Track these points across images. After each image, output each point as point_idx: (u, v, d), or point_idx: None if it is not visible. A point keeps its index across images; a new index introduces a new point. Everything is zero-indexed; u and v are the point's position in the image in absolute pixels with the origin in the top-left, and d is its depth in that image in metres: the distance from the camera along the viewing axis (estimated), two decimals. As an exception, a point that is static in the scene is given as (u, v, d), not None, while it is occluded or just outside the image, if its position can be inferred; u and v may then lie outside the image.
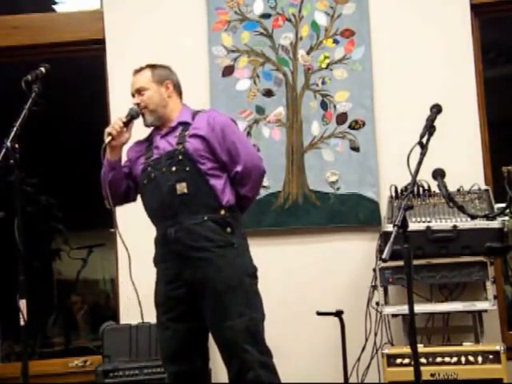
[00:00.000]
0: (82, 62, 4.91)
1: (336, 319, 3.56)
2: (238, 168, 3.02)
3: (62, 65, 4.10)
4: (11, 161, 2.60)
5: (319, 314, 3.58)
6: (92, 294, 7.14)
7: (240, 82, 4.12)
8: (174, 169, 3.00)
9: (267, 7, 4.14)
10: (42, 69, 2.86)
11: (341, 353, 3.54)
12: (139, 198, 3.21)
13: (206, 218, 2.96)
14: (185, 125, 3.10)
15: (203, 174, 3.00)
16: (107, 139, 3.08)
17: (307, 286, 3.95)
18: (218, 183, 3.01)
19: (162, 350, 3.08)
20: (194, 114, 3.15)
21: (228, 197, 3.03)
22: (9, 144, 2.60)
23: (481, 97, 4.08)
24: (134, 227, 3.94)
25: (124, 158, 3.23)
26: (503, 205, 3.10)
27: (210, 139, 3.02)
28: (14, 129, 2.65)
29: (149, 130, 3.23)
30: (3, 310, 4.40)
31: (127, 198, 3.25)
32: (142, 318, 3.70)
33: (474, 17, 4.10)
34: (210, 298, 2.92)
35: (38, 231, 5.88)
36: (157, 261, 3.10)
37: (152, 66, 3.20)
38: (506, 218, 4.32)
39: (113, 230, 4.18)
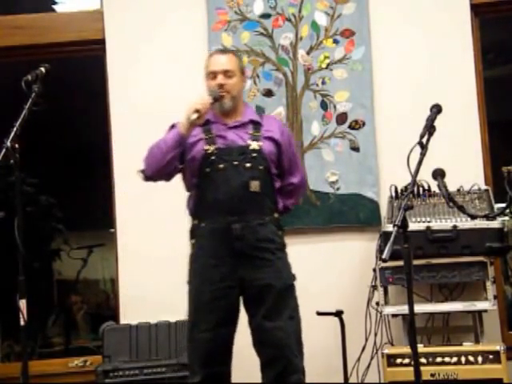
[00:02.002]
0: (82, 62, 4.90)
1: (336, 319, 3.55)
2: (295, 180, 3.14)
3: (62, 65, 4.10)
4: (11, 161, 2.60)
5: (319, 314, 3.57)
6: (92, 294, 7.14)
7: (240, 82, 4.11)
8: (247, 165, 2.98)
9: (267, 7, 4.14)
10: (42, 69, 2.86)
11: (341, 353, 3.54)
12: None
13: (267, 219, 2.99)
14: (255, 124, 3.09)
15: (272, 177, 3.04)
16: (194, 115, 2.91)
17: (307, 286, 3.94)
18: (277, 187, 3.07)
19: (198, 351, 2.96)
20: (258, 114, 3.23)
21: (280, 202, 3.11)
22: (9, 144, 2.60)
23: (481, 97, 4.08)
24: (134, 227, 3.96)
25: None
26: (503, 205, 3.09)
27: (281, 145, 3.07)
28: (14, 129, 2.64)
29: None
30: (3, 310, 4.40)
31: (168, 177, 3.11)
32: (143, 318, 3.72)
33: (474, 17, 4.10)
34: (269, 298, 2.92)
35: (38, 231, 5.88)
36: (202, 256, 2.99)
37: (235, 53, 3.24)
38: (506, 217, 4.33)
39: (113, 230, 4.19)
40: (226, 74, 3.05)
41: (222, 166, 2.98)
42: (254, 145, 3.01)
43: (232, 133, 3.05)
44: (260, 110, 4.08)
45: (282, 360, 2.90)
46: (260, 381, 3.00)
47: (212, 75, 3.07)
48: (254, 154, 2.99)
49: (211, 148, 3.01)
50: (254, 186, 2.96)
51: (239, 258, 2.93)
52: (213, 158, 2.99)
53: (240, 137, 3.04)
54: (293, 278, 3.04)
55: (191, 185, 3.08)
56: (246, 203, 2.95)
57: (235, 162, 2.97)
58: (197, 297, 2.98)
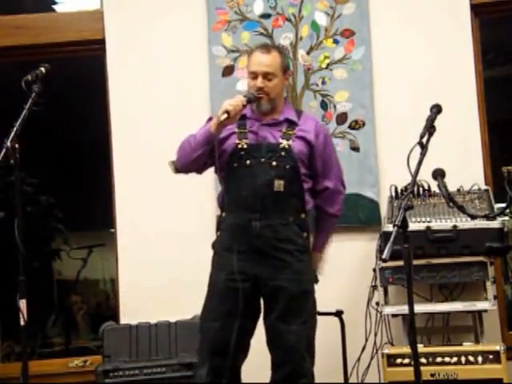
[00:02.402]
0: (82, 61, 4.91)
1: (336, 319, 3.55)
2: (330, 184, 3.08)
3: (62, 65, 4.10)
4: (11, 161, 2.60)
5: (319, 313, 3.56)
6: (92, 294, 7.14)
7: (240, 82, 4.11)
8: (274, 163, 2.95)
9: (267, 7, 4.14)
10: (42, 69, 2.86)
11: (341, 353, 3.54)
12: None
13: (291, 219, 2.96)
14: (291, 123, 3.05)
15: (300, 176, 2.99)
16: (223, 116, 2.88)
17: (307, 286, 3.95)
18: (307, 188, 3.03)
19: (206, 340, 2.96)
20: (298, 113, 3.13)
21: (311, 203, 3.05)
22: (9, 144, 2.60)
23: (481, 97, 4.08)
24: (134, 227, 3.96)
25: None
26: (503, 205, 3.09)
27: (314, 146, 3.02)
28: (14, 129, 2.64)
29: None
30: (3, 309, 4.40)
31: (199, 171, 3.12)
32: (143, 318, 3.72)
33: (474, 17, 4.10)
34: (283, 300, 2.91)
35: (38, 231, 5.88)
36: (222, 248, 2.99)
37: (278, 50, 3.13)
38: (506, 217, 4.32)
39: (113, 230, 4.19)
40: (267, 76, 3.00)
41: (249, 162, 2.97)
42: (285, 143, 2.98)
43: (265, 130, 3.03)
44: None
45: (291, 363, 2.90)
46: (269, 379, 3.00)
47: (252, 75, 3.03)
48: (283, 153, 2.96)
49: (242, 143, 2.99)
50: (278, 184, 2.93)
51: (257, 255, 2.92)
52: (242, 153, 2.98)
53: (272, 134, 3.02)
54: (313, 281, 3.04)
55: (221, 178, 3.08)
56: (268, 202, 2.93)
57: (262, 159, 2.96)
58: (212, 286, 2.99)
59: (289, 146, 2.98)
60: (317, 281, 3.10)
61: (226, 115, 2.87)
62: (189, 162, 3.01)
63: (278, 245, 2.92)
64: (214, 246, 3.05)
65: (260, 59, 3.02)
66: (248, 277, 2.91)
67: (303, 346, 2.91)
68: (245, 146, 2.98)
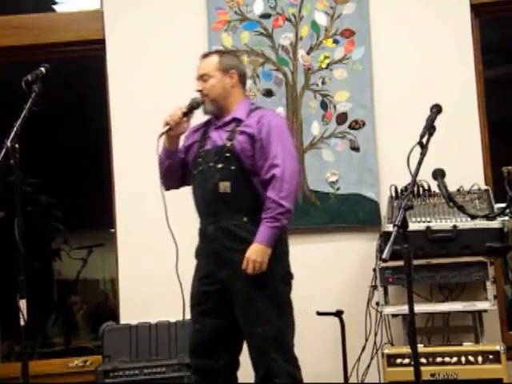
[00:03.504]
0: (82, 61, 4.91)
1: (336, 319, 3.55)
2: (276, 171, 2.89)
3: (62, 65, 4.10)
4: (11, 161, 2.60)
5: (319, 314, 3.58)
6: (92, 294, 7.15)
7: (240, 82, 4.11)
8: (219, 166, 2.96)
9: (267, 7, 4.14)
10: (42, 69, 2.86)
11: (341, 353, 3.54)
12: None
13: (245, 219, 2.94)
14: (238, 121, 3.03)
15: (248, 174, 2.96)
16: (164, 129, 3.00)
17: (307, 286, 3.95)
18: (261, 184, 2.95)
19: (189, 342, 3.07)
20: (252, 110, 3.08)
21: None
22: (9, 144, 2.60)
23: (481, 97, 4.08)
24: (135, 227, 3.96)
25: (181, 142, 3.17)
26: (503, 205, 3.09)
27: (257, 138, 2.96)
28: (14, 129, 2.64)
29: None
30: (3, 309, 4.40)
31: (183, 183, 3.18)
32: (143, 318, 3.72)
33: (474, 17, 4.10)
34: (242, 302, 2.91)
35: (38, 231, 5.88)
36: (197, 253, 3.08)
37: (220, 53, 3.15)
38: (506, 217, 4.31)
39: (113, 230, 4.19)
40: (203, 78, 3.08)
41: (201, 168, 3.02)
42: (229, 144, 2.98)
43: (216, 133, 3.06)
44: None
45: (262, 366, 2.91)
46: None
47: (197, 80, 3.12)
48: (228, 154, 2.96)
49: (200, 150, 3.05)
50: (224, 187, 2.93)
51: (217, 259, 2.96)
52: (199, 159, 3.04)
53: (220, 137, 3.03)
54: (277, 279, 2.95)
55: None
56: (217, 205, 2.95)
57: (211, 164, 2.98)
58: (191, 290, 3.05)
59: (232, 145, 2.96)
60: (287, 278, 3.01)
61: (166, 127, 3.00)
62: (163, 178, 3.09)
63: (232, 246, 2.92)
64: (195, 251, 3.12)
65: (198, 66, 3.12)
66: (215, 280, 2.96)
67: (271, 348, 2.88)
68: (202, 153, 3.04)
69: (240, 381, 3.11)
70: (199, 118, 3.21)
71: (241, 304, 2.92)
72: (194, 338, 3.01)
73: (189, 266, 3.09)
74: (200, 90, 3.06)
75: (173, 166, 3.09)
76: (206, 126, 3.13)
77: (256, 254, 2.86)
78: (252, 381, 3.00)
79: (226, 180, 2.93)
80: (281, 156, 2.92)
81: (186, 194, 3.19)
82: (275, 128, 2.98)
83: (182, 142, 3.18)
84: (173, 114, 3.01)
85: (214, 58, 3.09)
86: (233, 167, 2.94)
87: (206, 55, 3.13)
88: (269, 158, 2.92)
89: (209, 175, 2.98)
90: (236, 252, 2.90)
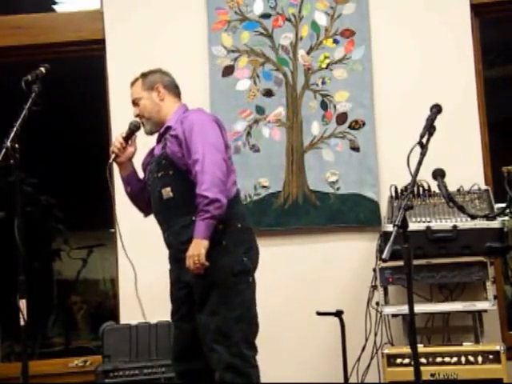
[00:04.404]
0: (82, 61, 4.90)
1: (336, 319, 3.55)
2: (197, 167, 2.89)
3: (62, 65, 4.10)
4: (11, 161, 2.61)
5: (319, 314, 3.58)
6: (92, 294, 7.13)
7: (240, 82, 4.12)
8: (160, 174, 3.04)
9: (267, 7, 4.14)
10: (42, 69, 2.86)
11: (341, 353, 3.54)
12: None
13: (194, 218, 2.92)
14: (169, 128, 3.10)
15: (185, 175, 2.99)
16: (111, 158, 3.15)
17: (307, 286, 3.95)
18: None
19: (171, 348, 3.15)
20: (182, 115, 3.12)
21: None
22: (9, 144, 2.60)
23: (481, 97, 4.08)
24: (135, 227, 3.94)
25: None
26: (503, 205, 3.10)
27: (181, 138, 2.99)
28: (14, 129, 2.65)
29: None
30: (3, 309, 4.40)
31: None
32: (145, 318, 3.72)
33: (474, 17, 4.10)
34: (196, 297, 2.97)
35: (38, 231, 5.88)
36: (169, 261, 3.17)
37: (143, 75, 3.23)
38: (506, 217, 4.32)
39: (113, 230, 4.18)
40: (135, 103, 3.21)
41: (149, 182, 3.13)
42: (163, 151, 3.05)
43: (157, 147, 3.16)
44: (260, 110, 4.09)
45: (204, 357, 2.93)
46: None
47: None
48: (164, 161, 3.04)
49: (148, 167, 3.17)
50: (166, 192, 3.02)
51: (177, 263, 3.02)
52: (149, 175, 3.15)
53: (158, 148, 3.13)
54: (227, 271, 2.92)
55: None
56: (165, 211, 3.04)
57: (154, 175, 3.08)
58: (170, 298, 3.14)
59: (165, 152, 3.04)
60: (238, 269, 2.95)
61: (113, 155, 3.15)
62: (135, 206, 3.28)
63: (183, 247, 2.94)
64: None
65: (130, 94, 3.24)
66: (183, 284, 3.02)
67: (211, 338, 2.89)
68: (149, 169, 3.15)
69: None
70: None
71: (196, 299, 2.97)
72: (175, 343, 3.09)
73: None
74: (137, 115, 3.18)
75: (137, 191, 3.22)
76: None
77: (192, 248, 2.87)
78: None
79: (167, 186, 3.01)
80: (200, 150, 2.92)
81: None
82: (196, 124, 3.00)
83: (142, 165, 3.28)
84: (115, 141, 3.17)
85: (139, 82, 3.22)
86: (170, 172, 3.01)
87: (132, 83, 3.24)
88: (191, 155, 2.96)
89: (154, 186, 3.08)
90: (186, 251, 2.91)
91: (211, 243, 2.87)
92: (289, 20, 4.13)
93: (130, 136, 3.18)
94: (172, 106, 3.18)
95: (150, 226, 4.03)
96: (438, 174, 2.90)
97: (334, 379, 3.64)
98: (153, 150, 3.22)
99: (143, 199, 3.22)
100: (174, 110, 3.17)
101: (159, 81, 3.20)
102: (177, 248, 3.01)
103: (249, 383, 2.88)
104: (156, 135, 3.20)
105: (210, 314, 2.91)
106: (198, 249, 2.85)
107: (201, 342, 2.95)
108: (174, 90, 3.23)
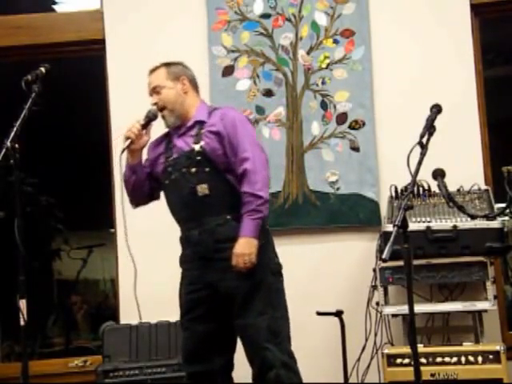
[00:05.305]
0: (82, 61, 4.91)
1: (336, 319, 3.55)
2: (247, 165, 2.92)
3: (62, 65, 4.10)
4: (11, 161, 2.60)
5: (319, 314, 3.57)
6: (92, 294, 7.14)
7: (240, 82, 4.12)
8: (193, 170, 2.97)
9: (267, 7, 4.14)
10: (42, 69, 2.86)
11: (341, 353, 3.54)
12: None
13: (229, 217, 2.94)
14: (201, 123, 3.05)
15: (223, 173, 2.97)
16: (126, 143, 3.05)
17: (307, 286, 3.95)
18: (237, 180, 2.97)
19: (181, 350, 3.11)
20: (211, 111, 3.11)
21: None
22: (9, 144, 2.60)
23: (481, 97, 4.08)
24: (135, 227, 3.94)
25: (144, 157, 3.20)
26: (503, 205, 3.10)
27: (224, 135, 2.98)
28: (14, 129, 2.65)
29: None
30: (3, 309, 4.40)
31: (152, 198, 3.23)
32: (141, 318, 3.72)
33: (474, 17, 4.10)
34: (236, 298, 2.92)
35: (38, 231, 5.88)
36: (181, 261, 3.10)
37: (166, 64, 3.16)
38: (506, 217, 4.32)
39: (113, 230, 4.18)
40: (155, 90, 3.10)
41: (174, 176, 3.03)
42: (197, 147, 2.99)
43: (181, 140, 3.08)
44: (260, 110, 4.09)
45: (257, 357, 2.91)
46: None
47: (150, 95, 3.14)
48: (199, 157, 2.98)
49: (168, 160, 3.07)
50: (202, 189, 2.95)
51: (202, 262, 2.97)
52: (169, 169, 3.05)
53: (186, 142, 3.05)
54: (266, 271, 2.94)
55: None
56: (198, 208, 2.96)
57: (184, 170, 2.99)
58: (179, 300, 3.08)
59: (201, 147, 2.98)
60: (274, 268, 3.00)
61: (128, 141, 3.04)
62: (131, 195, 3.17)
63: (218, 246, 2.92)
64: (179, 260, 3.13)
65: (147, 82, 3.15)
66: (203, 285, 2.97)
67: (263, 337, 2.88)
68: (171, 162, 3.05)
69: (237, 381, 3.12)
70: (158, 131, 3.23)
71: (234, 299, 2.92)
72: (186, 345, 3.05)
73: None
74: (156, 103, 3.10)
75: (139, 181, 3.14)
76: (168, 136, 3.16)
77: (243, 247, 2.87)
78: (250, 381, 3.01)
79: (203, 182, 2.96)
80: (249, 149, 2.95)
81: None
82: (239, 122, 3.02)
83: (147, 156, 3.22)
84: (131, 127, 3.06)
85: (162, 70, 3.13)
86: (207, 169, 2.96)
87: (152, 70, 3.15)
88: (238, 152, 2.95)
89: (183, 181, 2.99)
90: (223, 251, 2.91)
91: None
92: (289, 20, 4.13)
93: (147, 124, 3.09)
94: (194, 100, 3.14)
95: (150, 226, 4.05)
96: (438, 174, 2.90)
97: (334, 379, 3.64)
98: (160, 143, 3.15)
99: (143, 190, 3.16)
100: (196, 105, 3.13)
101: (184, 73, 3.15)
102: (208, 247, 2.94)
103: (300, 381, 2.94)
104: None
105: (259, 314, 2.89)
106: (249, 248, 2.86)
107: (209, 344, 2.96)
108: (196, 85, 3.20)
